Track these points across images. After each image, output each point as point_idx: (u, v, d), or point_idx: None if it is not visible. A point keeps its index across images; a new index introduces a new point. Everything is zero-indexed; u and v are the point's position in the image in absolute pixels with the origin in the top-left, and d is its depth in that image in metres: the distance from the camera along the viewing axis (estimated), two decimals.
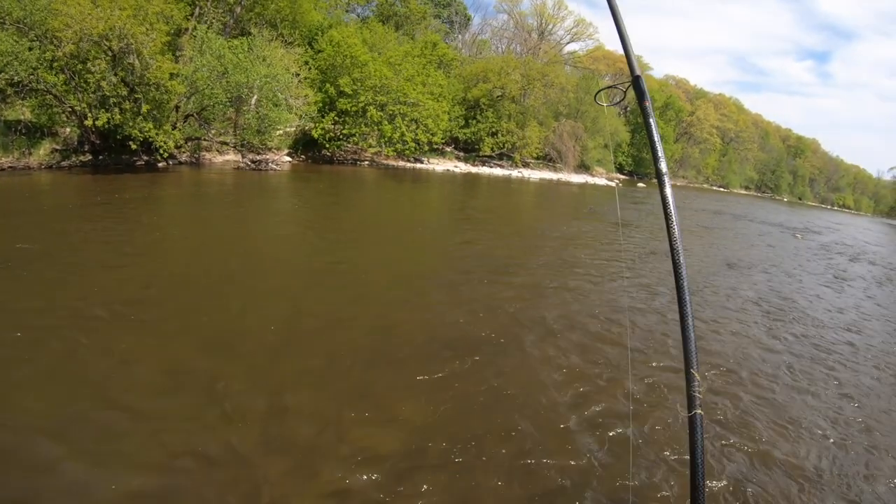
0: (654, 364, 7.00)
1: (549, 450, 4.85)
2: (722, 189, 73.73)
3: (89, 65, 16.59)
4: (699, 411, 1.92)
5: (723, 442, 5.36)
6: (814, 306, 11.93)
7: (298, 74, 26.02)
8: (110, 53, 17.04)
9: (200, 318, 6.89)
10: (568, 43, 53.31)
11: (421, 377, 5.82)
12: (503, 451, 4.75)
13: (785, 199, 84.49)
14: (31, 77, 15.92)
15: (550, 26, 51.00)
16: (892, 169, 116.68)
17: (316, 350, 6.28)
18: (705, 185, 72.30)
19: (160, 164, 19.91)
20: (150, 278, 8.06)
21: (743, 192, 79.88)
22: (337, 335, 6.75)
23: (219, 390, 5.17)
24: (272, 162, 24.29)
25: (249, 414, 4.83)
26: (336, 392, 5.41)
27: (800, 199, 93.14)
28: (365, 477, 4.18)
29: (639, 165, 58.48)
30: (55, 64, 16.31)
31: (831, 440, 5.76)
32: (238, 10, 27.31)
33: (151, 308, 6.95)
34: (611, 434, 5.17)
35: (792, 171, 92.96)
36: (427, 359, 6.28)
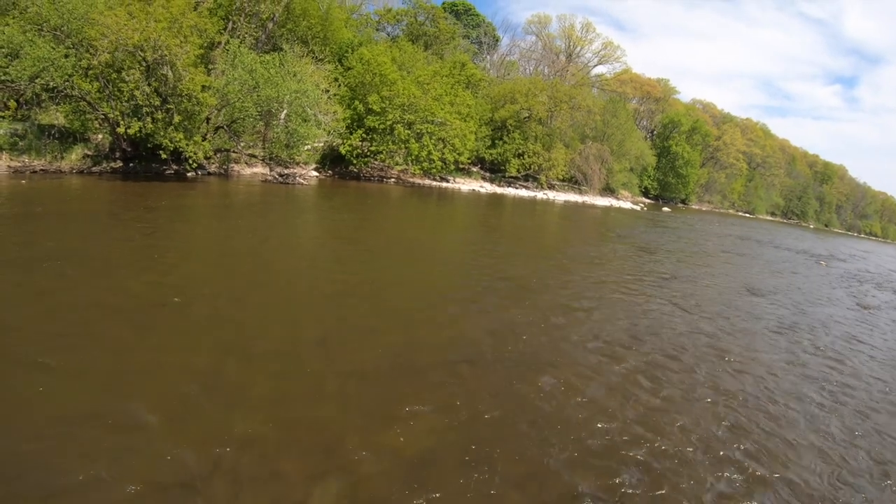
0: None
1: None
2: (747, 215, 72.17)
3: (124, 74, 16.51)
4: None
5: None
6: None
7: (328, 91, 25.82)
8: (144, 64, 16.93)
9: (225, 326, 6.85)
10: (595, 65, 53.16)
11: (439, 389, 6.01)
12: None
13: (811, 226, 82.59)
14: (66, 83, 15.83)
15: (578, 49, 50.89)
16: None
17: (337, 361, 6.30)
18: (731, 211, 70.86)
19: (189, 174, 19.63)
20: (173, 288, 7.78)
21: (769, 217, 78.23)
22: (361, 348, 6.79)
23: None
24: (299, 176, 23.97)
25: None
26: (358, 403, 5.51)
27: (826, 225, 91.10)
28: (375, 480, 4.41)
29: (664, 190, 57.50)
30: (90, 72, 16.19)
31: None
32: (270, 26, 27.41)
33: (171, 314, 6.91)
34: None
35: (818, 197, 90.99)
36: (447, 372, 6.44)
